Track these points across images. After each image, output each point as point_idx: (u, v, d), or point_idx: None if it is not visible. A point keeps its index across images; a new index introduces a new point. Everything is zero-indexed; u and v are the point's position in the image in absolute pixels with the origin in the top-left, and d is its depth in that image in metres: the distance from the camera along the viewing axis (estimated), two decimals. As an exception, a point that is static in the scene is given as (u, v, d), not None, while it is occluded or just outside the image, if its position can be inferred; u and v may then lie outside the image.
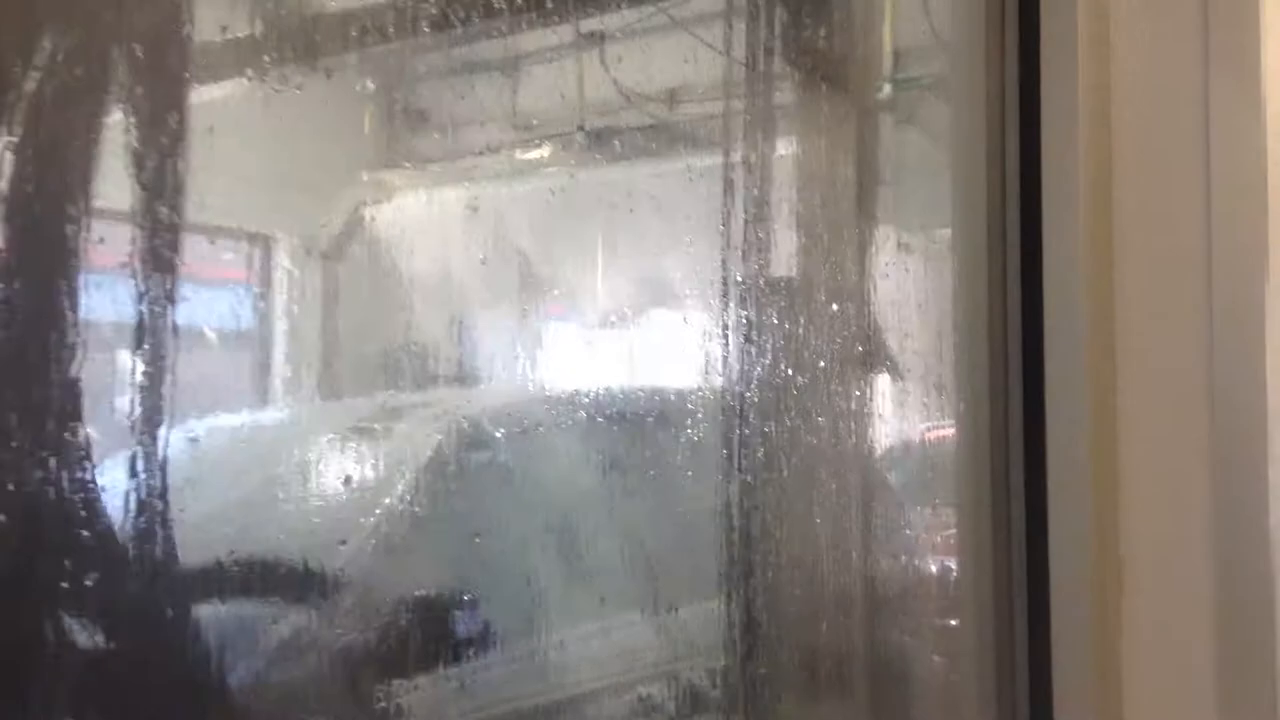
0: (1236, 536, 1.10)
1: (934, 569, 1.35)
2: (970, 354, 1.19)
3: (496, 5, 1.35)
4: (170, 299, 0.82)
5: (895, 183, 1.66)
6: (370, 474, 1.31)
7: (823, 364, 1.48)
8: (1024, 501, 1.14)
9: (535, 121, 1.70)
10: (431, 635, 1.16)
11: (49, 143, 0.69)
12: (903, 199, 1.67)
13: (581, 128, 1.66)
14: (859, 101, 1.66)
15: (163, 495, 0.78)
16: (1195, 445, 1.10)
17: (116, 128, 0.82)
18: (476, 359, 1.43)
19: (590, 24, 1.57)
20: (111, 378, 0.82)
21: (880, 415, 1.45)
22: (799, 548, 1.37)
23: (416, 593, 1.17)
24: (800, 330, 1.51)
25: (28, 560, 0.65)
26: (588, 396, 1.47)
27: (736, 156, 1.56)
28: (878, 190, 1.56)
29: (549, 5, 1.46)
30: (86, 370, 0.73)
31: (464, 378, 1.41)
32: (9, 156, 0.66)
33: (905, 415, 1.46)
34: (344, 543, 1.10)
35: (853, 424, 1.43)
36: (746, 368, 1.47)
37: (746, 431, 1.40)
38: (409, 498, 1.27)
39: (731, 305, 1.51)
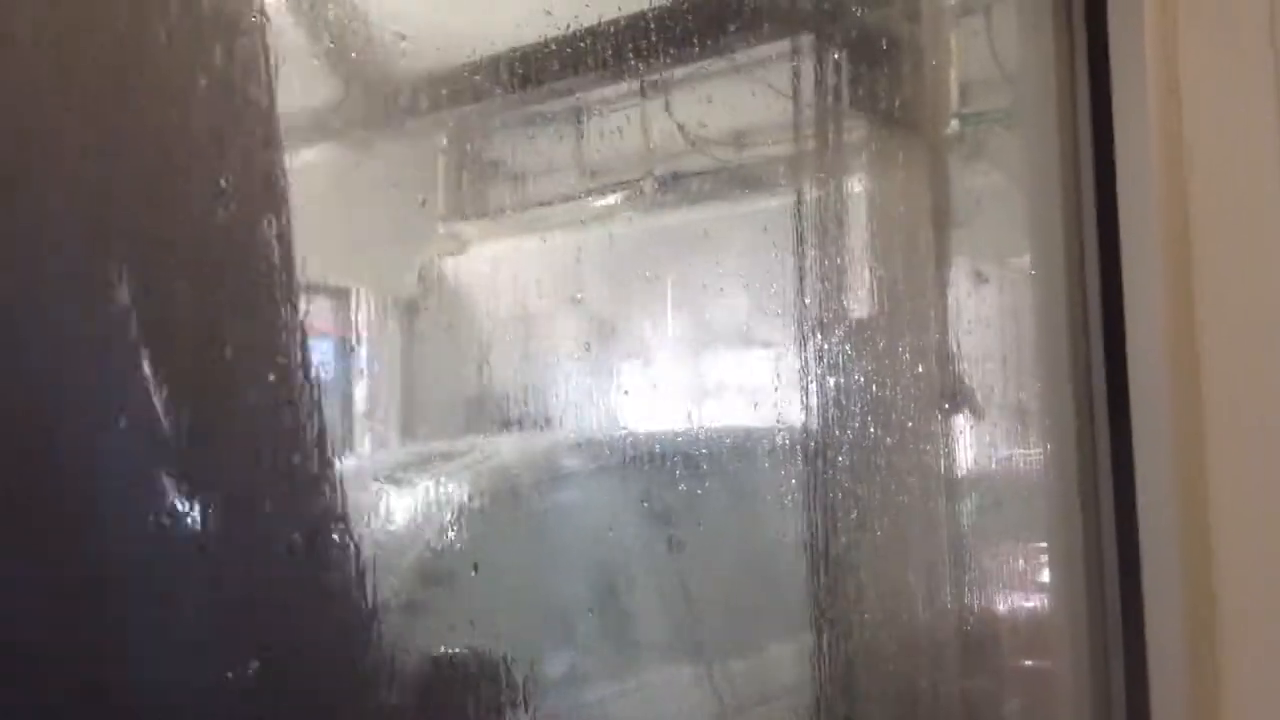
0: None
1: (1027, 608, 1.33)
2: (1055, 388, 1.19)
3: (565, 60, 1.37)
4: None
5: (968, 217, 1.65)
6: (446, 516, 1.32)
7: (902, 403, 1.47)
8: (1115, 537, 1.13)
9: (605, 169, 1.72)
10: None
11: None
12: (976, 234, 1.66)
13: (651, 173, 1.68)
14: (928, 138, 1.66)
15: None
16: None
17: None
18: (552, 403, 1.45)
19: (657, 74, 1.59)
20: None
21: (965, 453, 1.44)
22: (885, 587, 1.36)
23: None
24: (878, 371, 1.51)
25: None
26: (666, 439, 1.47)
27: (807, 197, 1.56)
28: (950, 226, 1.56)
29: (617, 57, 1.49)
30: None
31: (539, 422, 1.43)
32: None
33: (991, 452, 1.45)
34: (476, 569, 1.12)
35: (937, 463, 1.42)
36: (823, 411, 1.47)
37: (827, 474, 1.39)
38: (494, 541, 1.28)
39: (808, 346, 1.51)
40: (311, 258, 1.12)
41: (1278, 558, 1.10)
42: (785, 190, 1.61)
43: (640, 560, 1.37)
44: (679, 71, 1.63)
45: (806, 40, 1.60)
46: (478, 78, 1.31)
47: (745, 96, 1.70)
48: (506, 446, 1.32)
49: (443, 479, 1.20)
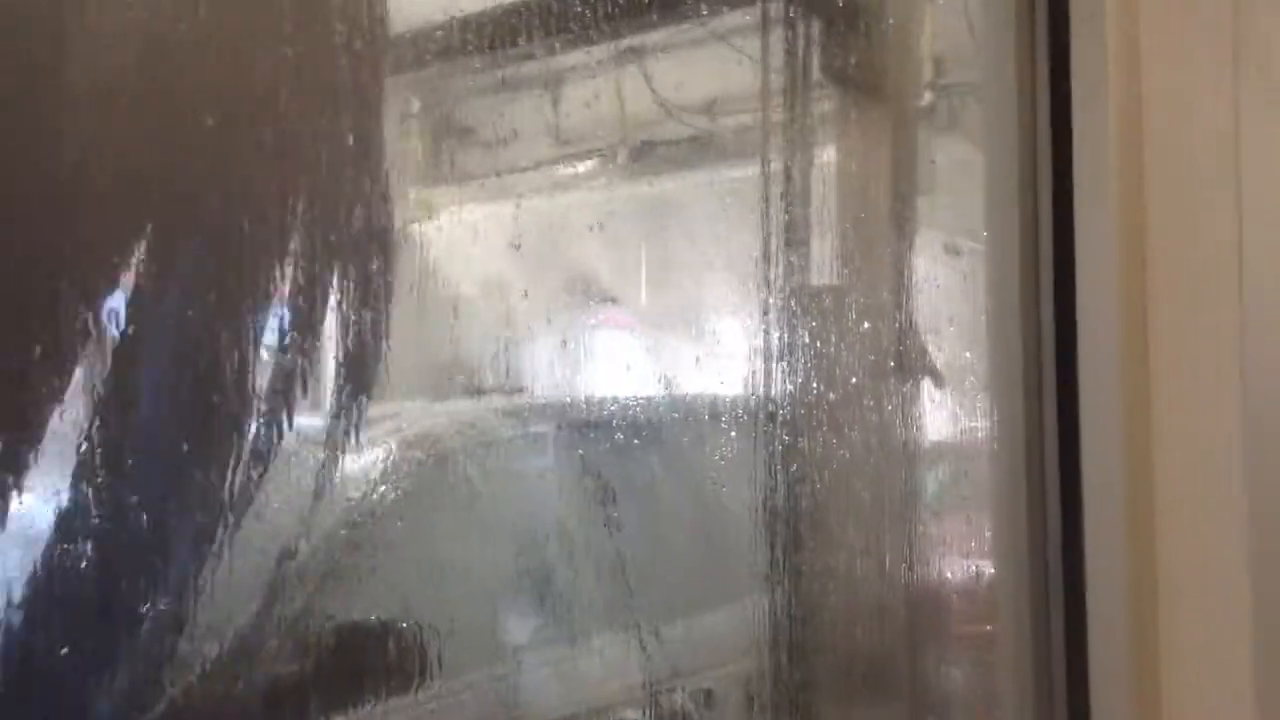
0: (1274, 537, 1.09)
1: (971, 574, 1.35)
2: (1005, 358, 1.20)
3: (539, 25, 1.38)
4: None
5: (939, 188, 1.66)
6: (424, 482, 1.32)
7: (864, 370, 1.49)
8: (1059, 505, 1.15)
9: (577, 136, 1.72)
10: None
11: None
12: (947, 204, 1.67)
13: (623, 141, 1.69)
14: (899, 109, 1.66)
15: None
16: (1229, 447, 1.10)
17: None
18: (521, 370, 1.46)
19: (630, 40, 1.59)
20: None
21: (919, 420, 1.45)
22: (835, 552, 1.38)
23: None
24: (843, 336, 1.53)
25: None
26: (634, 406, 1.48)
27: (777, 166, 1.57)
28: (917, 195, 1.57)
29: (590, 23, 1.49)
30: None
31: (509, 389, 1.44)
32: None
33: (943, 420, 1.46)
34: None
35: (892, 430, 1.44)
36: (791, 375, 1.48)
37: (786, 439, 1.41)
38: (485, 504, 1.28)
39: (774, 312, 1.52)
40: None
41: (1220, 526, 1.12)
42: (755, 159, 1.62)
43: (573, 533, 1.38)
44: (652, 38, 1.63)
45: (779, 7, 1.61)
46: (448, 42, 1.32)
47: (719, 64, 1.70)
48: (434, 413, 1.32)
49: (360, 446, 1.20)
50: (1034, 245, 1.19)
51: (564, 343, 1.46)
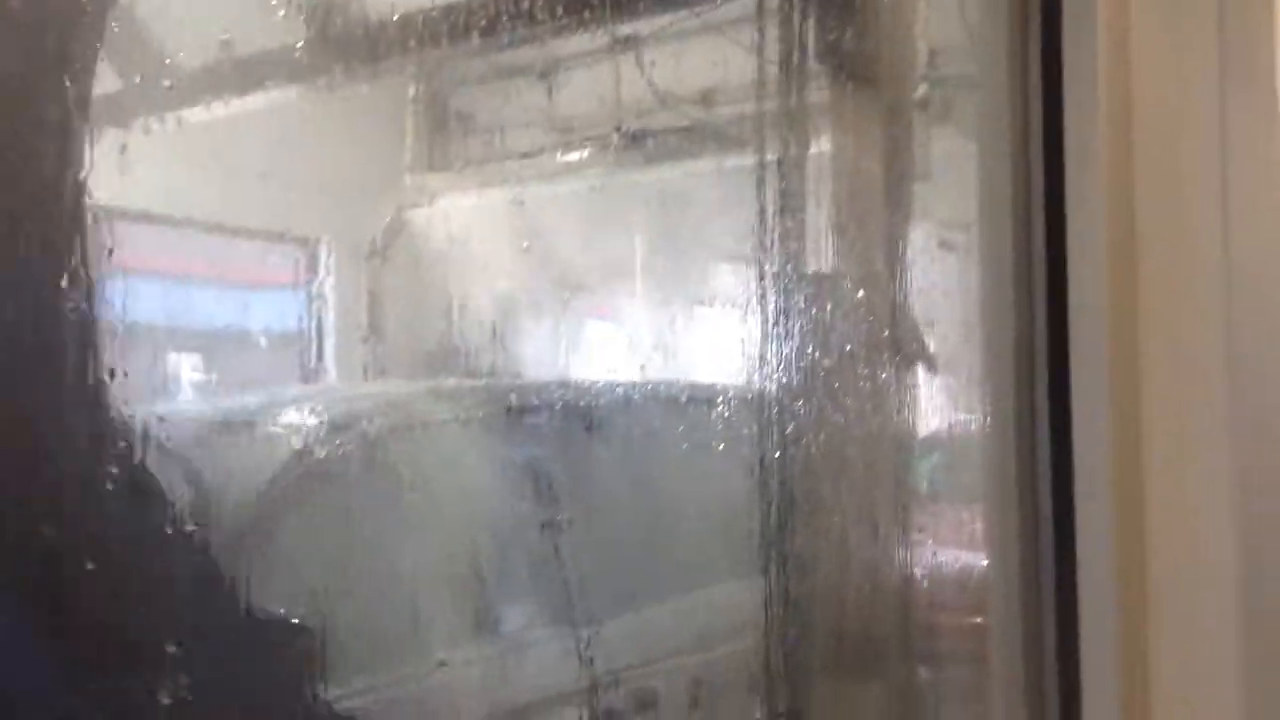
0: (1262, 527, 1.11)
1: (963, 562, 1.36)
2: (998, 346, 1.21)
3: (537, 13, 1.38)
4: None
5: (932, 179, 1.67)
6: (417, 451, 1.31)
7: (858, 356, 1.49)
8: (1051, 493, 1.16)
9: (574, 124, 1.73)
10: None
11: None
12: (940, 195, 1.68)
13: (619, 129, 1.69)
14: (894, 99, 1.67)
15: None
16: (1218, 436, 1.11)
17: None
18: (517, 352, 1.46)
19: (626, 29, 1.60)
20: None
21: (911, 407, 1.46)
22: (830, 538, 1.39)
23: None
24: (837, 323, 1.53)
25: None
26: (628, 388, 1.49)
27: (771, 156, 1.58)
28: (911, 186, 1.58)
29: (587, 12, 1.49)
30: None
31: (503, 370, 1.44)
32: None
33: (936, 407, 1.47)
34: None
35: (884, 416, 1.45)
36: (783, 360, 1.49)
37: (781, 422, 1.42)
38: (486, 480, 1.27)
39: (768, 299, 1.53)
40: (271, 206, 1.14)
41: (1209, 515, 1.13)
42: (751, 148, 1.63)
43: (499, 523, 1.37)
44: (648, 26, 1.64)
45: (775, -1, 1.61)
46: (445, 33, 1.32)
47: (715, 54, 1.71)
48: (362, 393, 1.31)
49: (271, 427, 1.17)
50: (1026, 235, 1.20)
51: (559, 331, 1.47)
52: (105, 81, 0.81)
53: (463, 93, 1.54)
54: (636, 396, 1.42)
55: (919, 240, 1.56)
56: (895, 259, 1.55)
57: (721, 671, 1.39)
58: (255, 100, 1.03)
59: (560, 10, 1.37)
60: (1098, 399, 1.13)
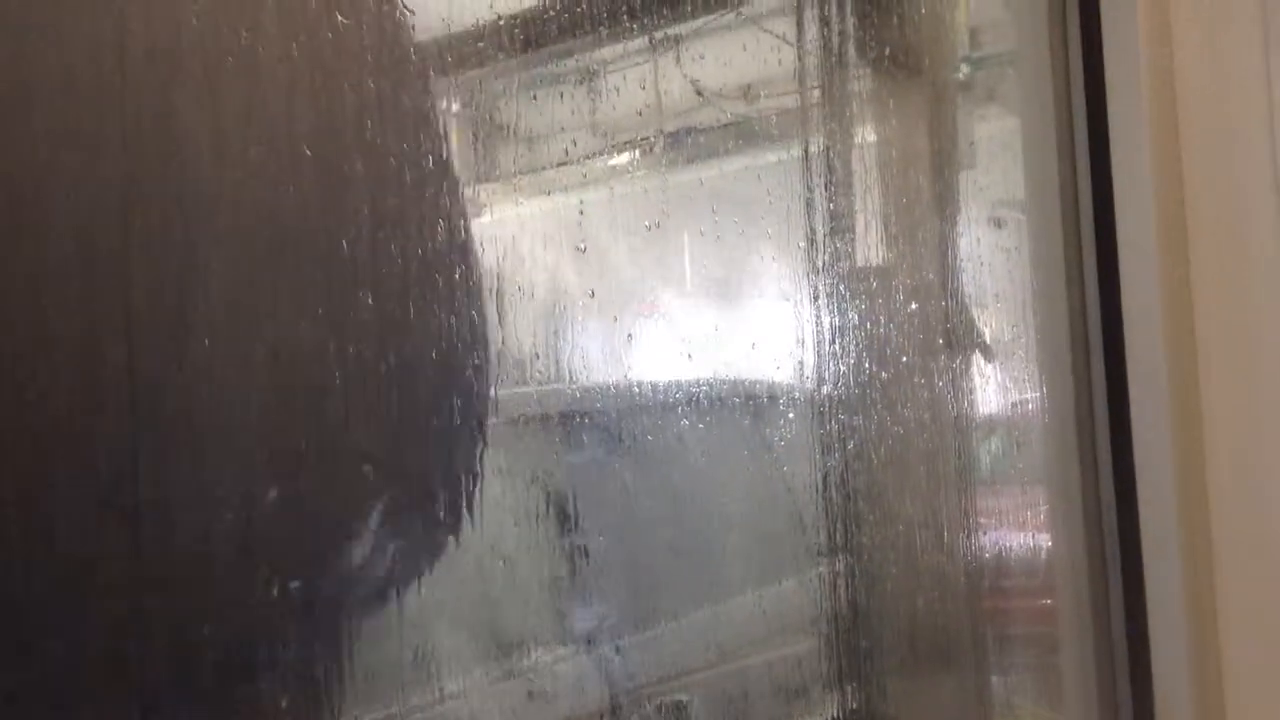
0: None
1: (1028, 546, 1.35)
2: (1052, 328, 1.20)
3: (579, 21, 1.39)
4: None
5: (979, 162, 1.66)
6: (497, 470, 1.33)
7: (914, 349, 1.49)
8: (1112, 474, 1.15)
9: (618, 127, 1.74)
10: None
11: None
12: (988, 178, 1.67)
13: (661, 130, 1.70)
14: (938, 82, 1.66)
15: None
16: (1277, 410, 1.09)
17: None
18: (571, 361, 1.48)
19: (666, 30, 1.60)
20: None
21: (970, 396, 1.46)
22: (892, 528, 1.39)
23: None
24: (891, 314, 1.53)
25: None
26: (683, 393, 1.50)
27: (817, 147, 1.58)
28: (958, 170, 1.57)
29: (627, 17, 1.50)
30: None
31: (559, 379, 1.46)
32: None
33: (994, 393, 1.47)
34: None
35: (941, 407, 1.45)
36: (839, 355, 1.49)
37: (839, 418, 1.42)
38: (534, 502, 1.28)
39: (821, 293, 1.53)
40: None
41: (1271, 489, 1.12)
42: (796, 141, 1.62)
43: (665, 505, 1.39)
44: (686, 26, 1.64)
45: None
46: (485, 43, 1.34)
47: (755, 48, 1.71)
48: (522, 403, 1.34)
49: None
50: (1074, 214, 1.19)
51: (613, 334, 1.48)
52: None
53: (505, 104, 1.55)
54: (693, 395, 1.43)
55: (970, 225, 1.56)
56: (946, 246, 1.54)
57: (788, 667, 1.40)
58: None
59: (602, 17, 1.38)
60: (1155, 377, 1.12)
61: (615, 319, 1.50)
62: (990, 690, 1.41)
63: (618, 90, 1.68)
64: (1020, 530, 1.36)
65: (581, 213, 1.45)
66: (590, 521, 1.41)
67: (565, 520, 1.39)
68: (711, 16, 1.67)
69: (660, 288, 1.65)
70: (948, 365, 1.44)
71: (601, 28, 1.47)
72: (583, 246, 1.46)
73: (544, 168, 1.67)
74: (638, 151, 1.71)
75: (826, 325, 1.50)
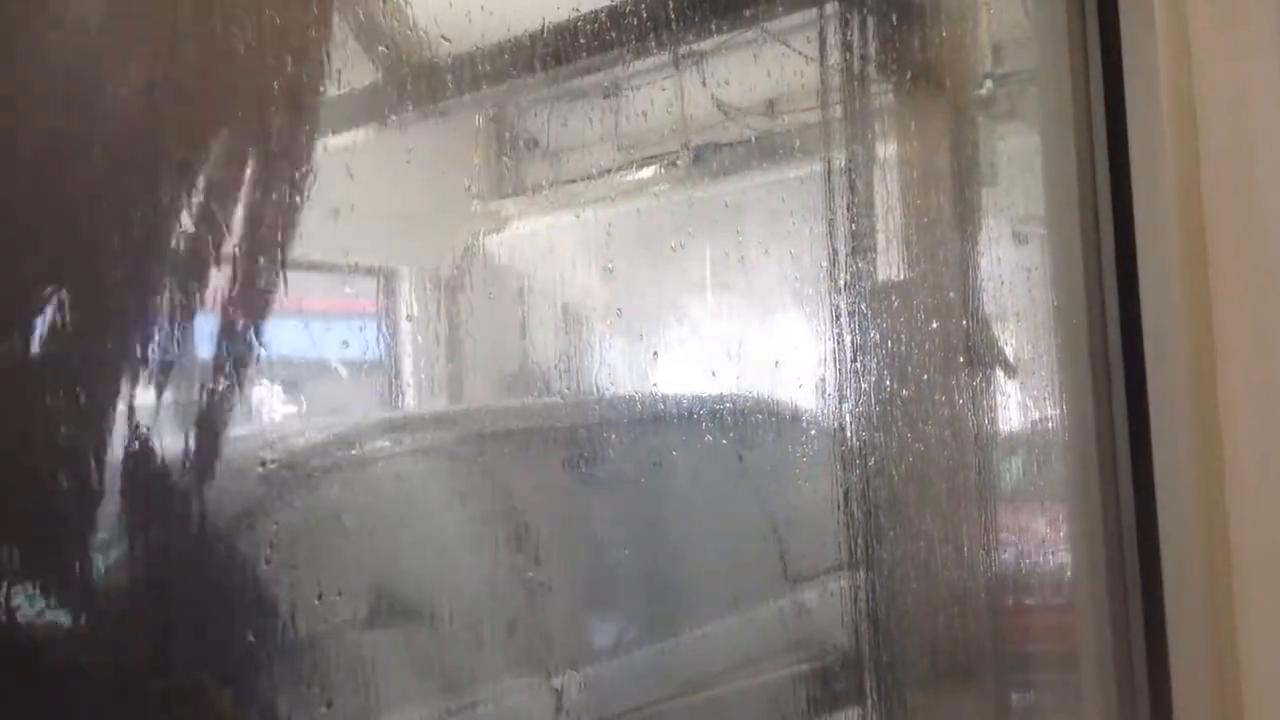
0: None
1: (1048, 561, 1.35)
2: (1073, 344, 1.21)
3: (603, 37, 1.41)
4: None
5: (1000, 178, 1.66)
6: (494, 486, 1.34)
7: (936, 365, 1.49)
8: (1132, 490, 1.15)
9: (641, 142, 1.75)
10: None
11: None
12: (1010, 194, 1.67)
13: (685, 145, 1.71)
14: (960, 98, 1.66)
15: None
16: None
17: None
18: (596, 374, 1.49)
19: (690, 46, 1.62)
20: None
21: (991, 413, 1.46)
22: (913, 544, 1.39)
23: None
24: (913, 329, 1.53)
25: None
26: (707, 407, 1.50)
27: (840, 163, 1.58)
28: (981, 186, 1.57)
29: (651, 34, 1.51)
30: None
31: (583, 392, 1.46)
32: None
33: (1014, 411, 1.47)
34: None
35: (962, 424, 1.45)
36: (861, 370, 1.49)
37: (861, 435, 1.42)
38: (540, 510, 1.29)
39: (844, 308, 1.53)
40: (348, 239, 1.18)
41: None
42: (818, 157, 1.63)
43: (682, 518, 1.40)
44: (710, 42, 1.65)
45: (835, 5, 1.62)
46: (513, 59, 1.35)
47: (778, 65, 1.72)
48: (546, 414, 1.35)
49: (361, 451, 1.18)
50: (1095, 231, 1.19)
51: (635, 347, 1.49)
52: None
53: (529, 119, 1.57)
54: (717, 408, 1.44)
55: (991, 241, 1.56)
56: (967, 263, 1.54)
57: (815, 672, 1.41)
58: (334, 140, 1.07)
59: (625, 33, 1.40)
60: (1175, 393, 1.12)
61: (641, 336, 1.51)
62: (1010, 706, 1.40)
63: (644, 114, 1.69)
64: (1040, 547, 1.36)
65: (594, 224, 1.46)
66: (612, 534, 1.42)
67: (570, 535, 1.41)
68: (735, 34, 1.68)
69: (684, 302, 1.65)
70: (969, 382, 1.44)
71: (627, 46, 1.48)
72: (610, 267, 1.47)
73: (561, 183, 1.68)
74: (661, 166, 1.72)
75: (848, 343, 1.51)
